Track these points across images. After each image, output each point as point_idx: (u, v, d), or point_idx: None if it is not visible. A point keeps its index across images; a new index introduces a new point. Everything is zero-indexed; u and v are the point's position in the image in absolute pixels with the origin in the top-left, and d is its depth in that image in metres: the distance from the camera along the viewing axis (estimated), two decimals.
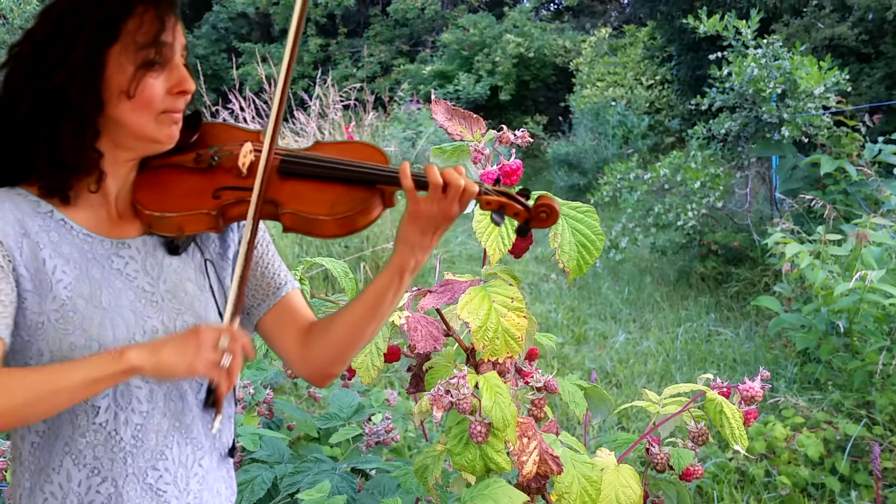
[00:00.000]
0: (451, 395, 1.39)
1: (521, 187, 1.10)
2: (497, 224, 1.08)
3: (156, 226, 1.07)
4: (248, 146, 1.09)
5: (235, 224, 1.18)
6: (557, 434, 1.56)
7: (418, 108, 10.85)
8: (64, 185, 1.02)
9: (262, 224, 1.11)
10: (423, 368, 1.57)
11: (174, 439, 1.07)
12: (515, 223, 1.11)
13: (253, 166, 1.08)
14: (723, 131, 6.14)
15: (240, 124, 1.28)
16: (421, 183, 1.04)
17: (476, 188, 1.05)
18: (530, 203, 1.08)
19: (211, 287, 1.12)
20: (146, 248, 1.08)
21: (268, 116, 1.07)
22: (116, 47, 0.99)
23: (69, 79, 0.98)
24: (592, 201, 6.81)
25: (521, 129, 1.50)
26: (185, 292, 1.09)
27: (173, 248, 1.10)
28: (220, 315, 1.11)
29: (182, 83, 1.03)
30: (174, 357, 0.93)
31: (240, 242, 1.15)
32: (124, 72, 0.99)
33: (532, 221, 1.08)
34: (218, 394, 0.94)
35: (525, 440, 1.43)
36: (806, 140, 5.71)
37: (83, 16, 0.99)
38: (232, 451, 1.17)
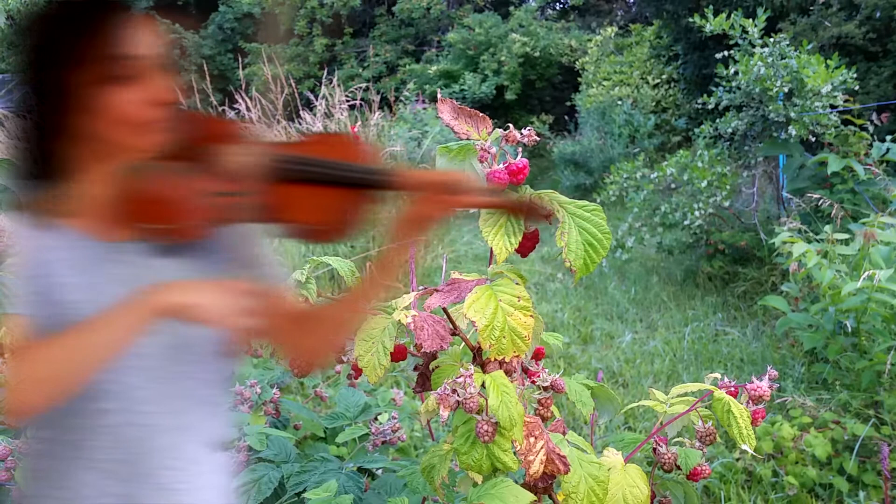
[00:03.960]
0: (458, 395, 1.39)
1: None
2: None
3: (148, 235, 1.06)
4: (235, 148, 1.07)
5: None
6: (564, 433, 1.55)
7: (424, 108, 10.84)
8: (50, 203, 1.02)
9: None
10: (430, 367, 1.57)
11: (183, 438, 1.07)
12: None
13: (243, 169, 1.06)
14: (729, 130, 6.12)
15: (220, 115, 1.27)
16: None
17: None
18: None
19: None
20: (139, 250, 1.08)
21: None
22: (80, 68, 0.98)
23: (40, 101, 0.98)
24: (599, 200, 6.80)
25: (528, 128, 1.49)
26: None
27: (167, 250, 1.10)
28: None
29: (158, 94, 1.01)
30: None
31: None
32: (91, 89, 0.98)
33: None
34: None
35: (532, 439, 1.43)
36: (813, 139, 5.68)
37: (50, 35, 0.98)
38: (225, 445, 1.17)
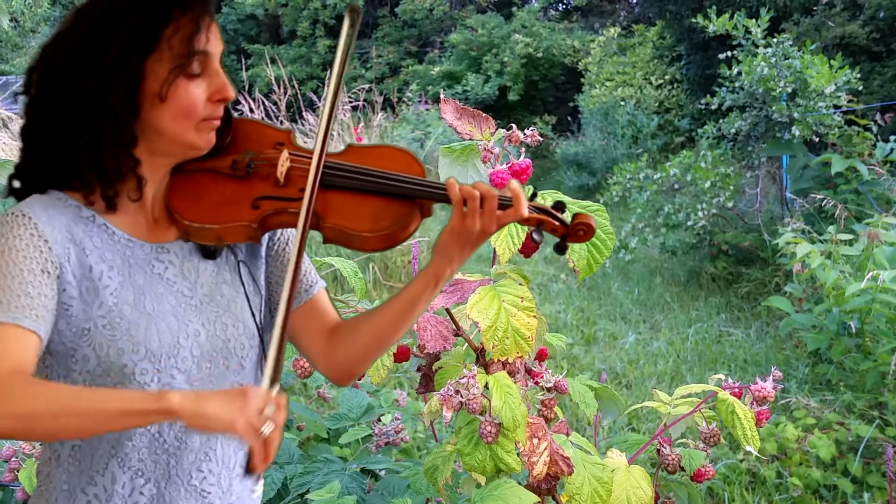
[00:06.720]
0: (461, 396, 1.39)
1: (556, 200, 1.09)
2: (537, 242, 1.07)
3: (194, 235, 1.06)
4: (285, 154, 1.08)
5: None
6: (568, 435, 1.55)
7: (427, 109, 10.86)
8: (111, 192, 1.02)
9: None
10: (433, 368, 1.57)
11: (218, 440, 1.08)
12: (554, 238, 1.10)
13: (291, 175, 1.07)
14: (733, 131, 6.12)
15: (267, 122, 1.27)
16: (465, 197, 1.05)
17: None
18: (567, 218, 1.07)
19: (244, 288, 1.12)
20: (183, 252, 1.08)
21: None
22: (155, 56, 0.98)
23: (106, 85, 0.97)
24: (602, 201, 6.78)
25: (531, 129, 1.49)
26: (222, 295, 1.09)
27: (209, 252, 1.10)
28: (253, 315, 1.12)
29: (222, 90, 1.02)
30: (217, 410, 0.86)
31: (269, 249, 1.17)
32: (162, 80, 0.99)
33: (569, 238, 1.07)
34: (254, 460, 0.90)
35: (535, 441, 1.42)
36: (817, 139, 5.68)
37: (119, 20, 0.98)
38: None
